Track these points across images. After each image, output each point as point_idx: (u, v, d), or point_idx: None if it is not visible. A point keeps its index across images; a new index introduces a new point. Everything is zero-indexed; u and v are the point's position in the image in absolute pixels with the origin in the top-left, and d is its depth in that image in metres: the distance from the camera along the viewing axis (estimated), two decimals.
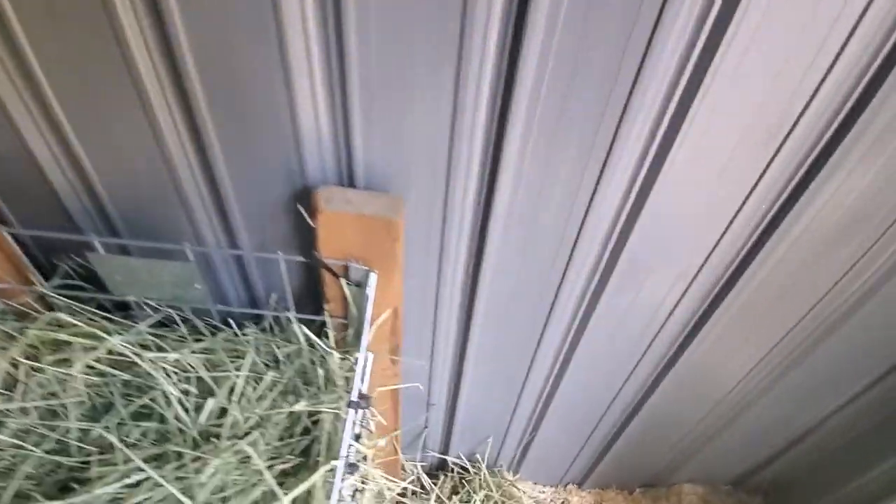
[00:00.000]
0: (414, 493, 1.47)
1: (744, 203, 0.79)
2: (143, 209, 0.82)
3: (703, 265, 0.90)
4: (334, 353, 0.83)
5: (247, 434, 0.80)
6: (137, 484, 0.76)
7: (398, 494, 1.44)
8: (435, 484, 1.47)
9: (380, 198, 0.69)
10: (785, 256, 0.85)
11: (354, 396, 0.69)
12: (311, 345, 0.87)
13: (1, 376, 0.81)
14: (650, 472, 1.59)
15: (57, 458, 0.79)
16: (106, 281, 0.82)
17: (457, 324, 1.06)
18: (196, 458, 0.76)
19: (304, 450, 0.83)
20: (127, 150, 0.74)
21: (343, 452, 0.67)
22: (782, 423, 1.32)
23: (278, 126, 0.68)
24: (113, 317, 0.87)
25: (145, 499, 0.73)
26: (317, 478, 0.74)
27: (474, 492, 1.42)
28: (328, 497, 0.72)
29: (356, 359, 0.85)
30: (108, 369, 0.83)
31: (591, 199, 0.78)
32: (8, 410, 0.80)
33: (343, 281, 0.75)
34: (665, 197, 0.77)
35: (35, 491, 0.75)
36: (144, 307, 0.86)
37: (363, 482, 0.91)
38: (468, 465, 1.48)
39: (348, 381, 0.88)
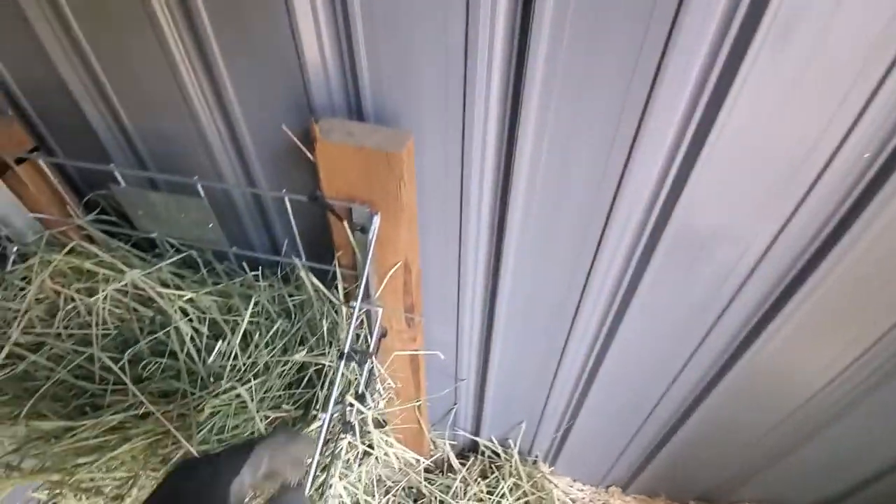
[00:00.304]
0: (441, 471, 1.41)
1: (842, 144, 0.62)
2: (168, 147, 0.83)
3: (778, 234, 0.74)
4: (341, 305, 0.79)
5: (249, 381, 0.78)
6: (146, 416, 0.77)
7: (425, 470, 1.40)
8: (463, 465, 1.40)
9: (383, 131, 0.63)
10: (890, 227, 0.68)
11: (346, 348, 0.64)
12: (321, 297, 0.84)
13: (34, 299, 0.86)
14: (707, 484, 1.41)
15: (82, 383, 0.82)
16: (130, 216, 0.84)
17: (483, 290, 0.98)
18: (197, 398, 0.76)
19: (307, 403, 0.80)
20: (147, 83, 0.74)
21: (330, 406, 0.63)
22: (872, 446, 1.10)
23: (284, 59, 0.64)
24: (144, 255, 0.90)
25: (149, 429, 0.74)
26: (309, 431, 0.70)
27: (503, 479, 1.33)
28: (322, 453, 0.69)
29: (365, 312, 0.81)
30: (132, 303, 0.85)
31: (635, 139, 0.66)
32: (45, 334, 0.85)
33: (346, 225, 0.70)
34: (734, 133, 0.64)
35: (60, 412, 0.79)
36: (168, 247, 0.88)
37: (369, 446, 0.86)
38: (500, 450, 1.40)
39: (359, 337, 0.84)
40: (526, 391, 1.23)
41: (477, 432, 1.42)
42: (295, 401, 0.80)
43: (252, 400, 0.71)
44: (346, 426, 0.70)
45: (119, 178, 0.76)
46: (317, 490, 0.67)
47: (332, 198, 0.68)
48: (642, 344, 1.01)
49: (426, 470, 1.40)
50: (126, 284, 0.84)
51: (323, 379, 0.77)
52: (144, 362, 0.83)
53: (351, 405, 0.71)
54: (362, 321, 0.83)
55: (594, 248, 0.83)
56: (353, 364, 0.77)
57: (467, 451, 1.50)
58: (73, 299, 0.83)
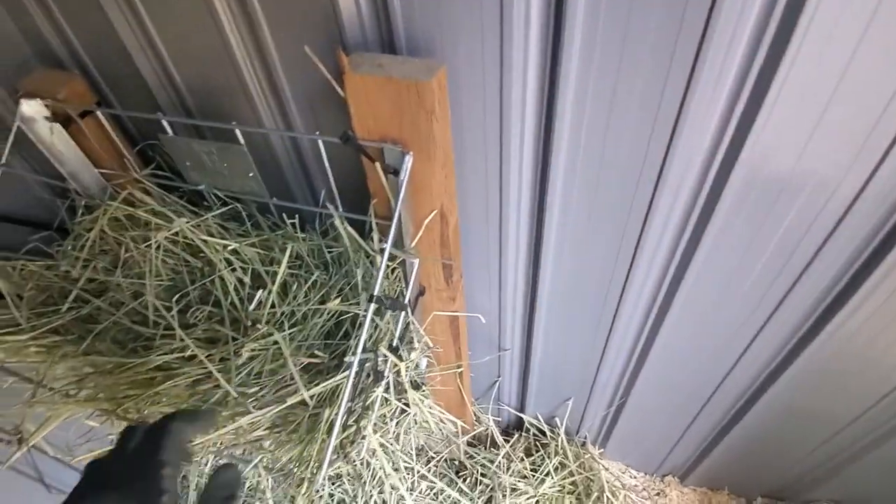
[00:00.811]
0: (485, 446, 1.38)
1: None
2: (212, 98, 0.85)
3: (868, 181, 0.64)
4: (376, 254, 0.78)
5: (286, 329, 0.79)
6: (191, 358, 0.80)
7: (467, 445, 1.37)
8: (507, 441, 1.36)
9: (413, 61, 0.60)
10: None
11: (375, 290, 0.63)
12: (357, 249, 0.82)
13: (100, 250, 0.91)
14: (778, 480, 1.28)
15: (138, 327, 0.87)
16: (180, 167, 0.87)
17: (526, 250, 0.93)
18: (238, 344, 0.77)
19: (342, 355, 0.80)
20: (192, 35, 0.75)
21: (358, 350, 0.61)
22: None
23: None
24: (195, 209, 0.93)
25: (192, 370, 0.76)
26: (340, 379, 0.69)
27: (548, 457, 1.28)
28: (352, 400, 0.68)
29: (400, 262, 0.79)
30: (182, 253, 0.89)
31: (693, 68, 0.59)
32: (107, 282, 0.90)
33: (378, 167, 0.67)
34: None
35: (116, 352, 0.84)
36: (214, 199, 0.90)
37: (405, 405, 0.85)
38: (545, 428, 1.35)
39: (396, 290, 0.82)
40: (573, 365, 1.16)
41: (522, 408, 1.38)
42: (331, 351, 0.80)
43: (287, 345, 0.71)
44: (378, 375, 0.68)
45: (167, 127, 0.79)
46: (347, 438, 0.66)
47: (363, 138, 0.67)
48: (703, 315, 0.92)
49: (468, 444, 1.38)
50: (176, 234, 0.87)
51: (357, 329, 0.76)
52: (192, 310, 0.86)
53: (384, 357, 0.70)
54: (399, 275, 0.81)
55: (649, 196, 0.75)
56: (388, 315, 0.75)
57: (512, 428, 1.46)
58: (129, 247, 0.88)
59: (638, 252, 0.85)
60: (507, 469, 1.28)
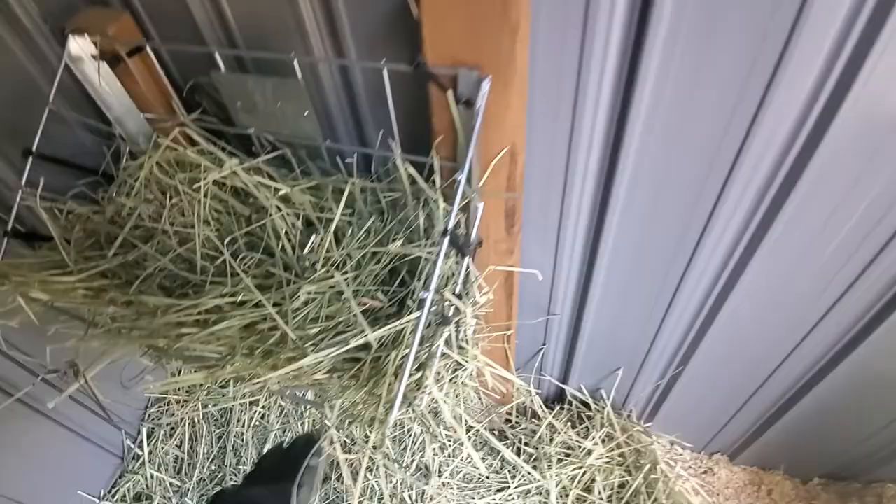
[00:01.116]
0: (526, 417, 1.34)
1: None
2: (263, 33, 0.80)
3: None
4: (438, 198, 0.73)
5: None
6: (241, 304, 0.77)
7: (506, 414, 1.33)
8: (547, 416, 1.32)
9: None
10: None
11: (450, 224, 0.58)
12: (417, 194, 0.78)
13: (145, 199, 0.89)
14: (837, 460, 1.22)
15: (185, 273, 0.84)
16: (229, 108, 0.83)
17: (590, 206, 0.87)
18: (292, 288, 0.74)
19: (400, 303, 0.76)
20: None
21: (432, 286, 0.57)
22: None
23: None
24: (241, 156, 0.90)
25: (247, 313, 0.73)
26: (406, 321, 0.66)
27: (594, 429, 1.23)
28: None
29: (462, 207, 0.74)
30: (230, 199, 0.86)
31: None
32: (153, 229, 0.87)
33: (450, 97, 0.63)
34: None
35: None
36: (264, 144, 0.86)
37: (464, 360, 0.81)
38: (590, 401, 1.30)
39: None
40: (628, 334, 1.11)
41: (565, 379, 1.33)
42: (389, 299, 0.76)
43: (348, 286, 0.68)
44: (445, 320, 0.64)
45: (219, 61, 0.75)
46: (416, 383, 0.62)
47: (435, 64, 0.62)
48: (778, 284, 0.86)
49: (506, 418, 1.34)
50: (224, 180, 0.84)
51: (419, 273, 0.72)
52: (241, 256, 0.83)
53: (449, 302, 0.65)
54: (459, 220, 0.77)
55: (736, 149, 0.69)
56: (451, 259, 0.71)
57: (551, 401, 1.41)
58: (177, 190, 0.85)
59: (713, 216, 0.79)
60: (551, 441, 1.24)
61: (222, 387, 1.37)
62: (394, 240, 0.77)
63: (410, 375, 0.65)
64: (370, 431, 0.58)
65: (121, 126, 0.92)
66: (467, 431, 1.30)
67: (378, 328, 0.63)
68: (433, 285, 0.57)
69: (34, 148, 0.83)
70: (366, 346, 0.66)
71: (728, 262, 0.88)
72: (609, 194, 0.83)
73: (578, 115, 0.72)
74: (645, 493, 1.06)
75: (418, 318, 0.57)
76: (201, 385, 1.41)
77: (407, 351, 0.61)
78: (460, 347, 0.76)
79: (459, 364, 0.82)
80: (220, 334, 0.68)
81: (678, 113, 0.68)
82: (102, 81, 0.87)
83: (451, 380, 0.83)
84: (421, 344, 0.66)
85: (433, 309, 0.65)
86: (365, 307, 0.68)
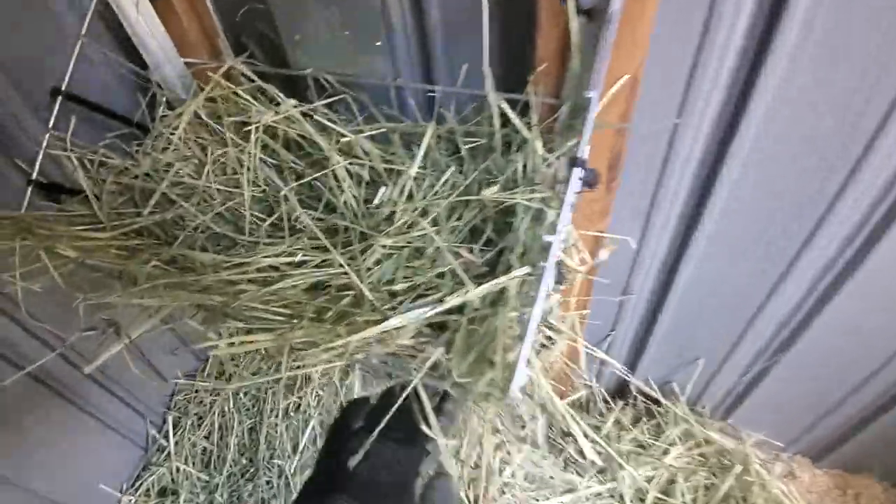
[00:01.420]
0: (587, 411, 1.22)
1: None
2: None
3: None
4: (535, 140, 0.62)
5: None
6: (299, 265, 0.66)
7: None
8: (610, 410, 1.20)
9: None
10: None
11: (581, 152, 0.47)
12: (507, 139, 0.67)
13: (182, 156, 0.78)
14: None
15: (232, 234, 0.74)
16: (285, 42, 0.72)
17: (698, 163, 0.75)
18: (364, 243, 0.63)
19: (489, 264, 0.64)
20: None
21: (561, 225, 0.45)
22: None
23: None
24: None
25: (307, 273, 0.62)
26: (513, 276, 0.54)
27: (667, 426, 1.11)
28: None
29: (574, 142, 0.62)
30: (282, 150, 0.75)
31: None
32: (194, 186, 0.77)
33: (569, 6, 0.51)
34: None
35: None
36: (322, 86, 0.76)
37: (556, 332, 0.69)
38: (659, 396, 1.17)
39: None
40: (716, 321, 0.98)
41: (632, 370, 1.20)
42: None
43: (439, 238, 0.56)
44: (561, 278, 0.53)
45: None
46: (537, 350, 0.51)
47: None
48: (886, 297, 0.75)
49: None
50: (276, 129, 0.73)
51: (511, 230, 0.60)
52: (295, 215, 0.72)
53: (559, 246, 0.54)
54: (556, 169, 0.65)
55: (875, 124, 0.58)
56: (554, 208, 0.59)
57: (612, 394, 1.29)
58: (223, 141, 0.74)
59: (839, 197, 0.68)
60: (618, 438, 1.11)
61: (254, 373, 1.27)
62: (482, 189, 0.66)
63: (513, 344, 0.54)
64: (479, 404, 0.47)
65: (158, 71, 0.81)
66: (523, 427, 1.18)
67: (482, 285, 0.52)
68: (561, 226, 0.46)
69: (63, 87, 0.73)
70: (459, 309, 0.55)
71: (844, 251, 0.76)
72: (719, 170, 0.71)
73: (713, 30, 0.60)
74: (738, 498, 0.94)
75: (543, 268, 0.45)
76: (230, 374, 1.30)
77: (515, 314, 0.50)
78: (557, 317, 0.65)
79: (549, 339, 0.70)
80: (282, 294, 0.57)
81: (827, 55, 0.56)
82: (141, 17, 0.76)
83: (537, 354, 0.72)
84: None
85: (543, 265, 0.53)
86: (462, 261, 0.57)
